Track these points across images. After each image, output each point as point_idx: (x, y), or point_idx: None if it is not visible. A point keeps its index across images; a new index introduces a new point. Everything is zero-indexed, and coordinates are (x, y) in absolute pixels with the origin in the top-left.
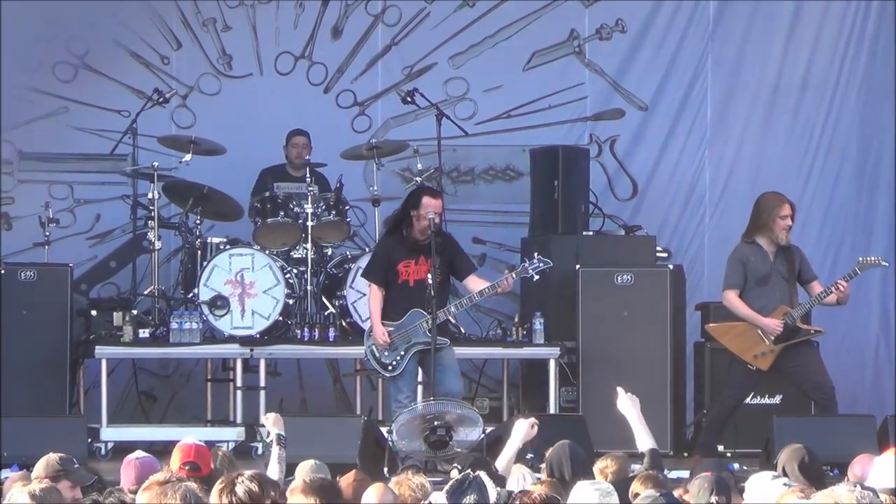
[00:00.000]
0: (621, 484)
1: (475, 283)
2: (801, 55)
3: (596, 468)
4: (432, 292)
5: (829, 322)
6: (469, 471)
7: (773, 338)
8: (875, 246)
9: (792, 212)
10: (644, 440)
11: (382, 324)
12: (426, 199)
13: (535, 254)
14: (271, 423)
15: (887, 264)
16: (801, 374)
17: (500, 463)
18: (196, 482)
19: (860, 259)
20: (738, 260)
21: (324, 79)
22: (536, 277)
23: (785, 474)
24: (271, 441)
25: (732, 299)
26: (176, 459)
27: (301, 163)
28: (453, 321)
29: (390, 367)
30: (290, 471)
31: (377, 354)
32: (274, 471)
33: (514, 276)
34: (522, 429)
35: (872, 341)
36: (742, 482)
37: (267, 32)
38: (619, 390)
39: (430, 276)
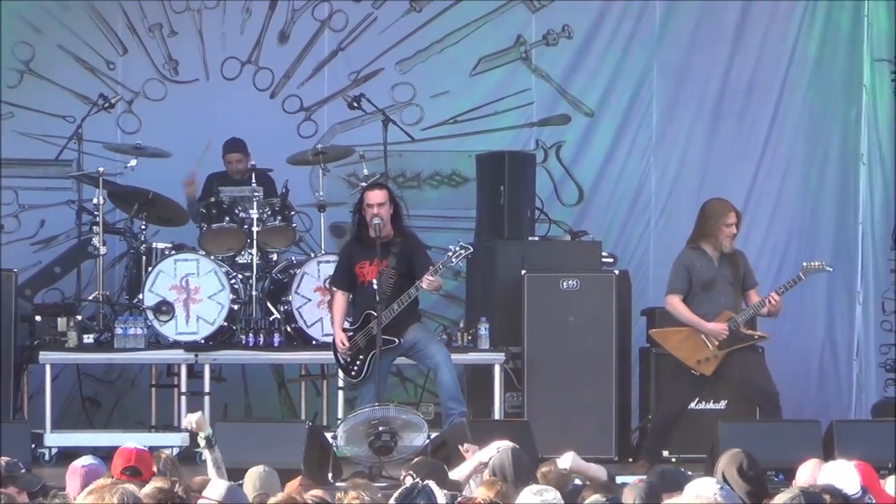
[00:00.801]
0: (570, 493)
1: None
2: (747, 59)
3: (539, 474)
4: (375, 286)
5: (774, 327)
6: (419, 479)
7: (717, 343)
8: (820, 252)
9: (737, 220)
10: (597, 474)
11: (344, 329)
12: (366, 194)
13: (459, 241)
14: (195, 426)
15: (831, 269)
16: (745, 379)
17: (458, 474)
18: (137, 486)
19: (804, 264)
20: (682, 265)
21: (270, 84)
22: (461, 265)
23: (725, 480)
24: (202, 444)
25: (676, 304)
26: (117, 464)
27: (240, 176)
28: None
29: (353, 372)
30: (237, 476)
31: (341, 360)
32: (213, 475)
33: (440, 266)
34: (492, 451)
35: (818, 346)
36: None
37: (213, 37)
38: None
39: (380, 277)
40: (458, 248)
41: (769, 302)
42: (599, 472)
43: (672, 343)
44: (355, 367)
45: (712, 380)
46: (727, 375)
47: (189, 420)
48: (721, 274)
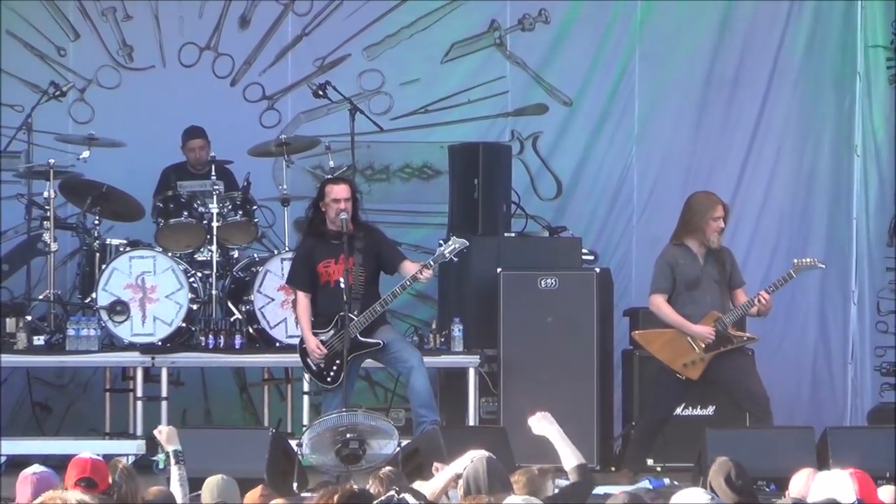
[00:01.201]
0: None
1: (413, 267)
2: (734, 46)
3: (513, 482)
4: (341, 285)
5: (764, 328)
6: (394, 491)
7: (703, 346)
8: (812, 248)
9: (725, 213)
10: (569, 458)
11: (314, 333)
12: (329, 187)
13: (451, 234)
14: (165, 439)
15: (824, 266)
16: (733, 383)
17: (430, 488)
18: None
19: (795, 261)
20: (665, 263)
21: (230, 71)
22: (455, 259)
23: (713, 490)
24: (167, 458)
25: (660, 304)
26: (71, 476)
27: (201, 167)
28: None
29: (329, 378)
30: (195, 486)
31: (312, 366)
32: (177, 492)
33: (431, 262)
34: (466, 462)
35: (810, 349)
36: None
37: (170, 22)
38: (534, 417)
39: (347, 275)
40: (452, 242)
41: (759, 301)
42: (573, 454)
43: (656, 345)
44: (332, 374)
45: (699, 384)
46: (715, 379)
47: (161, 431)
48: (706, 272)
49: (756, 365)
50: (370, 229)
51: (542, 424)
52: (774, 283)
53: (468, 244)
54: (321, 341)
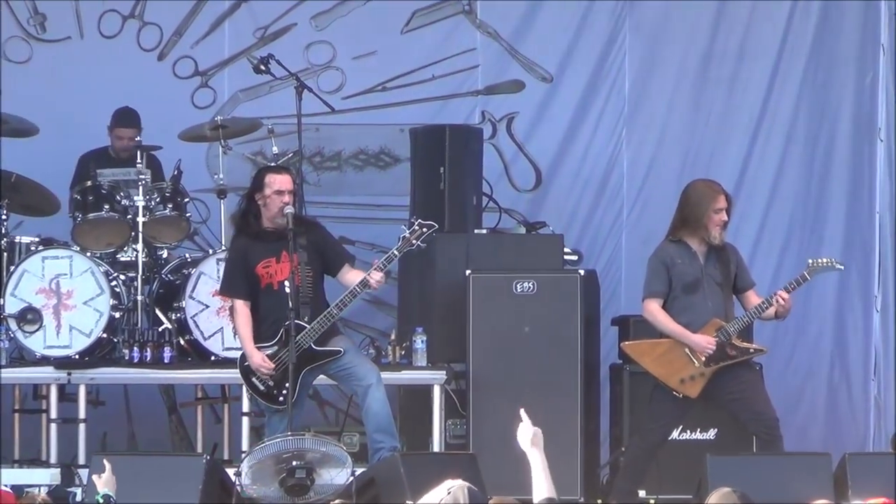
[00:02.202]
0: None
1: (354, 276)
2: (738, 15)
3: None
4: (287, 289)
5: (773, 339)
6: None
7: (703, 358)
8: (827, 249)
9: (728, 205)
10: (541, 489)
11: (261, 346)
12: (270, 177)
13: (415, 219)
14: (102, 482)
15: (842, 267)
16: (738, 403)
17: None
18: None
19: (810, 262)
20: (660, 262)
21: (158, 43)
22: (423, 245)
23: None
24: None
25: (654, 311)
26: None
27: (126, 155)
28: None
29: (281, 398)
30: None
31: (259, 385)
32: None
33: (395, 252)
34: (442, 494)
35: (825, 364)
36: None
37: None
38: (523, 415)
39: (294, 276)
40: (417, 227)
41: (777, 301)
42: (546, 487)
43: (649, 359)
44: (284, 392)
45: (698, 403)
46: (716, 398)
47: (100, 479)
48: (708, 273)
49: (764, 381)
50: (311, 224)
51: (531, 443)
52: (790, 283)
53: (436, 227)
54: (268, 355)
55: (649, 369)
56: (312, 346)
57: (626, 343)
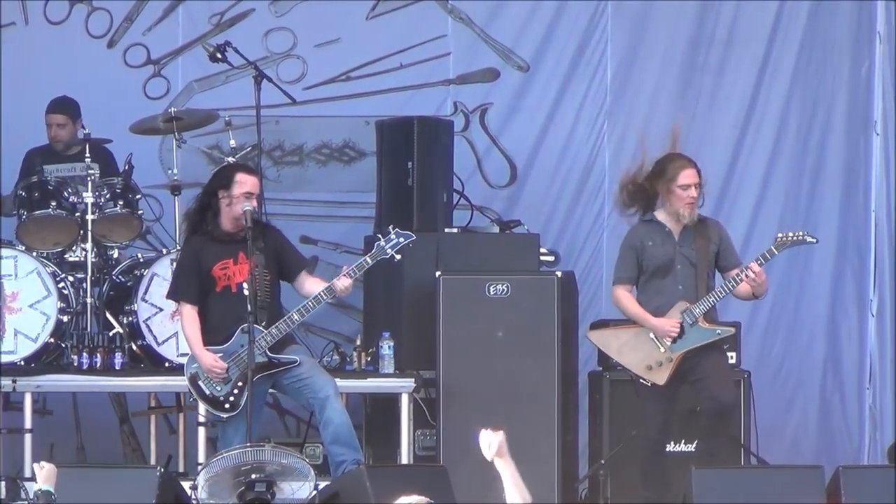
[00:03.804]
0: None
1: (311, 284)
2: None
3: None
4: (245, 292)
5: (761, 345)
6: None
7: (668, 342)
8: (819, 247)
9: (698, 179)
10: (514, 499)
11: (209, 349)
12: (241, 176)
13: (392, 227)
14: (42, 477)
15: (815, 240)
16: (697, 384)
17: None
18: None
19: (779, 236)
20: (629, 247)
21: (108, 29)
22: (398, 257)
23: None
24: (37, 497)
25: (619, 297)
26: None
27: (62, 145)
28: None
29: (228, 405)
30: None
31: (207, 390)
32: None
33: (368, 260)
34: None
35: (818, 371)
36: None
37: None
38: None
39: (259, 277)
40: (394, 236)
41: (748, 274)
42: (520, 497)
43: (614, 347)
44: (231, 400)
45: (680, 391)
46: (683, 382)
47: (42, 466)
48: (682, 254)
49: (729, 367)
50: (268, 227)
51: (495, 453)
52: (757, 258)
53: (414, 238)
54: (220, 358)
55: (616, 358)
56: (268, 352)
57: (591, 331)
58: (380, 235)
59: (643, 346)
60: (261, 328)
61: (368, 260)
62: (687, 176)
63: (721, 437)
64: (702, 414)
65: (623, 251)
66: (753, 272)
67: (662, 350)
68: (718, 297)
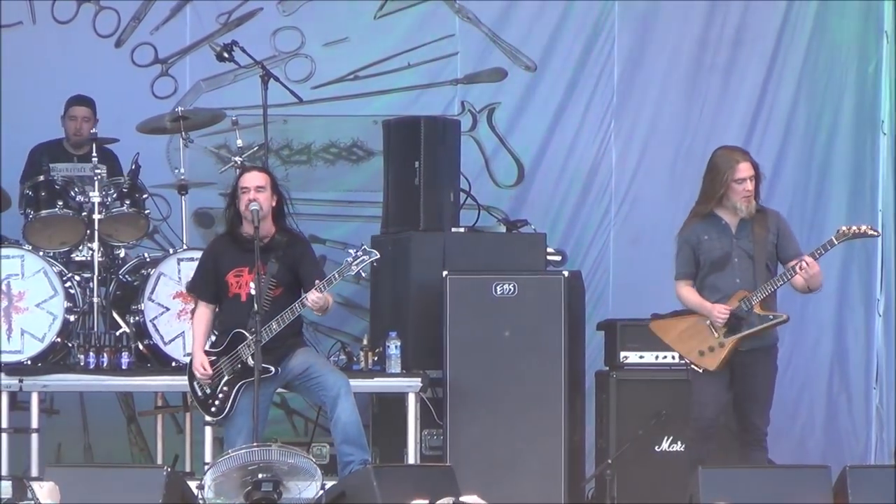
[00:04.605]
0: None
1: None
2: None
3: None
4: (255, 305)
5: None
6: None
7: (724, 328)
8: None
9: (753, 172)
10: None
11: (206, 351)
12: (243, 177)
13: (362, 244)
14: (45, 495)
15: (877, 233)
16: (742, 391)
17: None
18: None
19: (841, 228)
20: (685, 242)
21: (115, 29)
22: (364, 275)
23: None
24: None
25: (679, 291)
26: None
27: (81, 139)
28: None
29: (213, 408)
30: None
31: (198, 390)
32: None
33: (335, 275)
34: None
35: (824, 371)
36: None
37: None
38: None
39: (263, 284)
40: (358, 253)
41: (801, 267)
42: None
43: (672, 335)
44: (216, 402)
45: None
46: (734, 375)
47: (42, 487)
48: (739, 247)
49: (774, 383)
50: (295, 237)
51: None
52: (816, 250)
53: (378, 256)
54: (210, 362)
55: (672, 346)
56: (250, 359)
57: (653, 322)
58: (349, 251)
59: (699, 334)
60: (247, 333)
61: (336, 275)
62: (742, 170)
63: (760, 454)
64: (736, 436)
65: (679, 246)
66: (806, 263)
67: (716, 336)
68: (776, 285)
